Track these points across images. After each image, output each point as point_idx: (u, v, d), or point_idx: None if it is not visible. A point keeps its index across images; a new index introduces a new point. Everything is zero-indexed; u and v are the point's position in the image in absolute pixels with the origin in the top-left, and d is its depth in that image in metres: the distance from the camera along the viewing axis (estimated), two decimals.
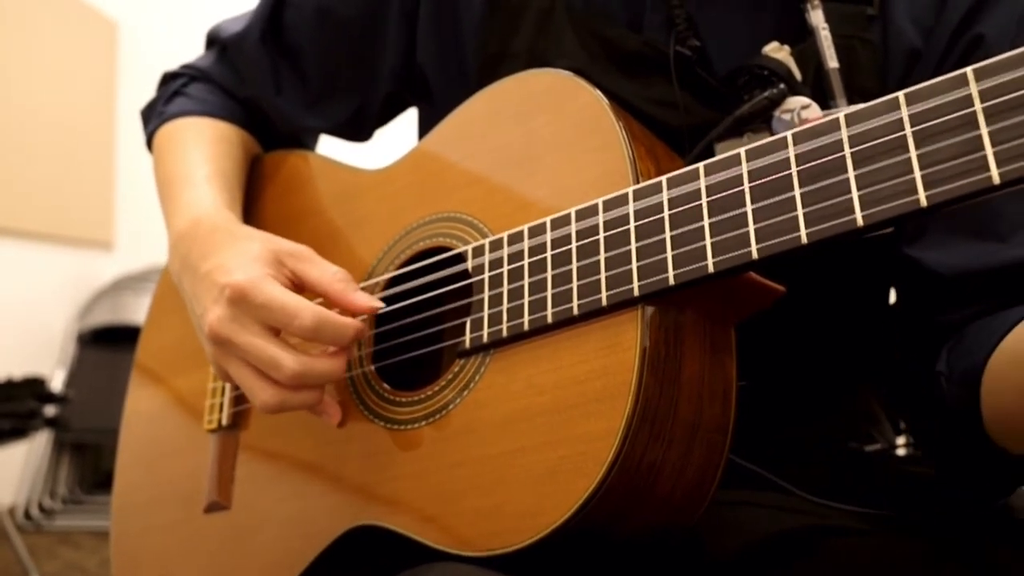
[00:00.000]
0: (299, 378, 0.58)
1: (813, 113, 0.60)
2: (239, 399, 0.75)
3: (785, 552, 0.56)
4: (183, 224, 0.71)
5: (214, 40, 0.90)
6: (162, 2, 3.92)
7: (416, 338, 0.65)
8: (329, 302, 0.62)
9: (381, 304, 0.62)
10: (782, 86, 0.61)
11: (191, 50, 0.93)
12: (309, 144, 0.93)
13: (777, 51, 0.62)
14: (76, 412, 2.96)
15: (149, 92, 0.92)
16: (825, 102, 0.62)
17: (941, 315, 0.63)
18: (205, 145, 0.81)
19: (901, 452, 0.82)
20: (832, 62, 0.62)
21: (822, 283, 0.68)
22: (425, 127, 0.85)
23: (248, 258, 0.61)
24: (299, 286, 0.62)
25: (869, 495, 0.64)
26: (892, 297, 0.79)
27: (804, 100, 0.61)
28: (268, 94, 0.85)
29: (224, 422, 0.75)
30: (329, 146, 0.93)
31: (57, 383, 3.21)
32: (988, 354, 0.55)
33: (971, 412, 0.56)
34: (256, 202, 0.84)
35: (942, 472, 0.65)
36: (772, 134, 0.61)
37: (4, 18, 3.28)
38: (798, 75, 0.62)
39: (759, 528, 0.58)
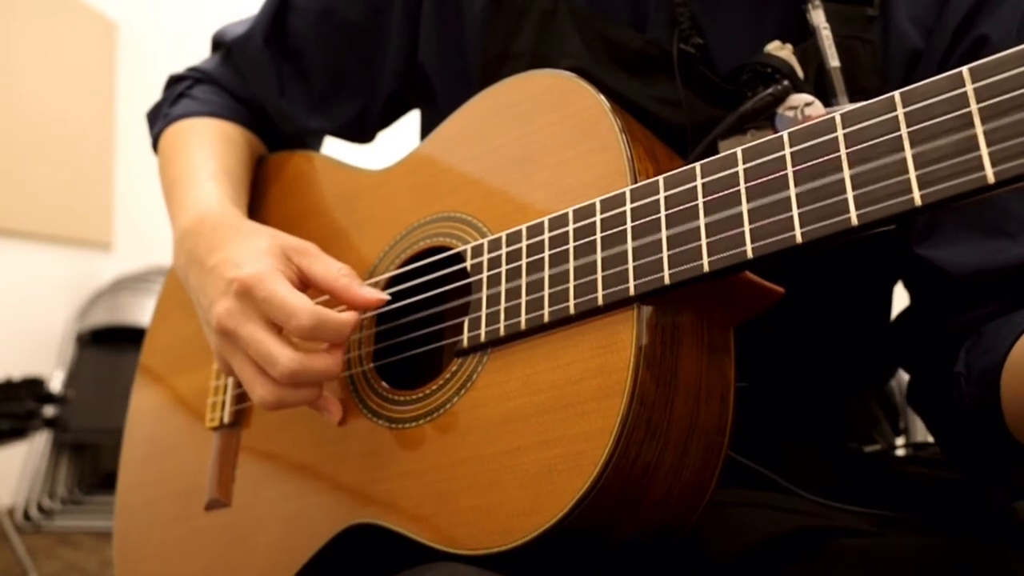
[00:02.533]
0: (294, 376, 0.58)
1: (816, 110, 0.61)
2: (241, 397, 0.75)
3: (786, 553, 0.56)
4: (188, 220, 0.71)
5: (219, 43, 0.90)
6: (162, 3, 3.92)
7: (416, 337, 0.65)
8: (333, 298, 0.62)
9: (386, 297, 0.62)
10: (786, 83, 0.61)
11: (191, 51, 0.94)
12: (313, 146, 0.93)
13: (779, 49, 0.63)
14: (75, 412, 2.96)
15: (149, 93, 0.93)
16: (827, 100, 0.62)
17: (955, 316, 0.63)
18: (210, 144, 0.82)
19: (900, 452, 0.82)
20: (834, 61, 0.63)
21: (822, 285, 0.68)
22: (427, 128, 0.85)
23: (256, 252, 0.62)
24: (305, 282, 0.63)
25: (869, 495, 0.64)
26: (893, 300, 0.79)
27: (807, 97, 0.61)
28: (272, 96, 0.86)
29: (226, 420, 0.75)
30: (332, 148, 0.93)
31: (56, 384, 3.21)
32: (1006, 352, 0.54)
33: (991, 411, 0.55)
34: (260, 202, 0.85)
35: (966, 472, 0.65)
36: (775, 131, 0.61)
37: (4, 18, 3.28)
38: (800, 73, 0.62)
39: (760, 529, 0.58)
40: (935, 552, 0.54)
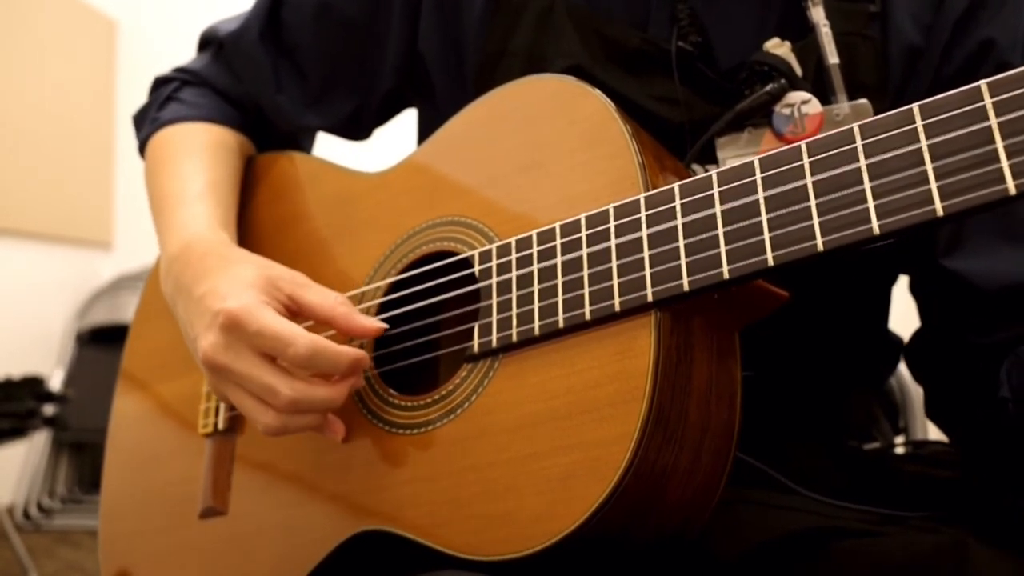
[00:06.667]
0: (295, 405, 0.58)
1: (813, 108, 0.61)
2: None
3: (789, 554, 0.56)
4: (176, 246, 0.70)
5: (209, 40, 0.89)
6: (161, 1, 3.91)
7: (420, 343, 0.65)
8: (332, 327, 0.61)
9: (385, 326, 0.61)
10: (783, 81, 0.62)
11: (191, 49, 0.92)
12: (305, 144, 0.92)
13: (778, 47, 0.63)
14: (75, 411, 2.95)
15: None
16: (826, 97, 0.63)
17: (983, 335, 0.63)
18: (199, 154, 0.80)
19: (899, 450, 0.82)
20: (832, 58, 0.63)
21: (822, 285, 0.68)
22: (425, 127, 0.84)
23: (242, 284, 0.61)
24: (294, 312, 0.62)
25: (869, 493, 0.64)
26: (891, 301, 0.80)
27: (804, 95, 0.61)
28: (268, 92, 0.84)
29: (220, 426, 0.74)
30: (327, 147, 0.92)
31: (56, 383, 3.21)
32: None
33: None
34: (250, 205, 0.83)
35: (995, 486, 0.65)
36: (772, 129, 0.62)
37: (3, 17, 3.27)
38: (799, 71, 0.63)
39: (763, 529, 0.58)
40: (935, 551, 0.54)
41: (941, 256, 0.65)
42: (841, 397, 0.76)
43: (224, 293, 0.60)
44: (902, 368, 0.96)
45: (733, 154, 0.63)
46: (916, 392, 0.99)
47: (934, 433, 0.96)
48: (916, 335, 0.72)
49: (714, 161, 0.64)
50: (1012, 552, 0.55)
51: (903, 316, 0.80)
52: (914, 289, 0.72)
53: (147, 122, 0.87)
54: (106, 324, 3.40)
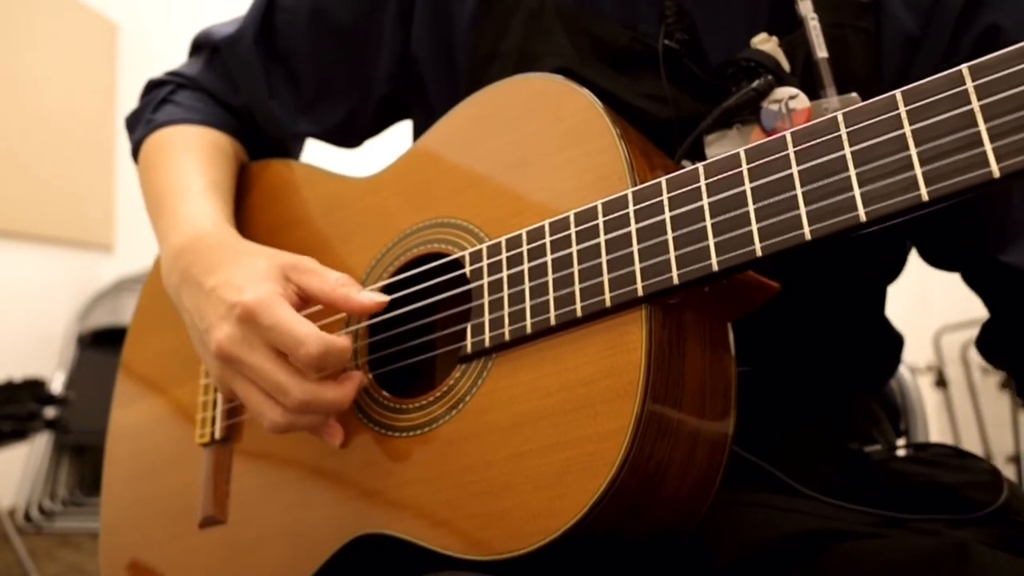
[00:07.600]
0: (305, 406, 0.58)
1: (801, 103, 0.61)
2: (232, 412, 0.74)
3: (788, 556, 0.56)
4: (182, 238, 0.70)
5: (203, 44, 0.88)
6: (162, 4, 3.93)
7: (413, 345, 0.65)
8: (334, 309, 0.62)
9: (387, 298, 0.62)
10: (769, 77, 0.61)
11: None
12: (295, 152, 0.92)
13: (765, 42, 0.63)
14: (76, 414, 2.96)
15: None
16: (814, 92, 0.62)
17: None
18: (197, 156, 0.80)
19: (901, 453, 0.82)
20: (821, 52, 0.62)
21: (817, 277, 0.68)
22: (420, 134, 0.84)
23: (257, 275, 0.61)
24: (304, 299, 0.62)
25: (870, 495, 0.64)
26: (890, 300, 0.79)
27: (792, 90, 0.61)
28: (260, 97, 0.84)
29: (217, 435, 0.74)
30: (322, 156, 0.91)
31: (57, 385, 3.22)
32: None
33: None
34: (242, 212, 0.82)
35: None
36: (761, 125, 0.61)
37: (4, 20, 3.29)
38: (786, 66, 0.62)
39: (762, 531, 0.58)
40: (935, 553, 0.54)
41: (995, 252, 0.64)
42: (841, 395, 0.76)
43: (240, 285, 0.60)
44: (903, 370, 0.96)
45: (722, 152, 0.62)
46: (917, 394, 0.99)
47: (936, 435, 0.96)
48: (987, 326, 0.70)
49: (703, 159, 0.63)
50: (1013, 555, 0.55)
51: (903, 316, 0.79)
52: (971, 283, 0.71)
53: (141, 124, 0.87)
54: (107, 326, 3.41)
